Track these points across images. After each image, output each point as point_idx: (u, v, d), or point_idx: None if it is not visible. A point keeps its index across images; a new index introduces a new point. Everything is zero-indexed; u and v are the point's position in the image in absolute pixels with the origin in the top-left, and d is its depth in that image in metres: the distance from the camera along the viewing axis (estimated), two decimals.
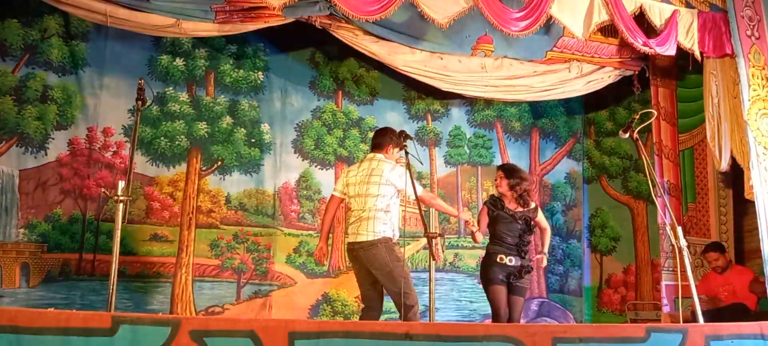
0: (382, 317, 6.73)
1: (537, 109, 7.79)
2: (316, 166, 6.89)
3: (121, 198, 4.07)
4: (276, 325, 3.47)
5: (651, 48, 6.15)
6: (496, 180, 5.32)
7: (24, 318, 3.11)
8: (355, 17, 5.55)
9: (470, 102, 7.50)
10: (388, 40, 6.33)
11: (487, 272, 5.15)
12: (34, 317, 3.15)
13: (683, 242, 4.65)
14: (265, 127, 6.74)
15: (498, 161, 7.58)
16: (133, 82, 5.90)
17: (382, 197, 4.73)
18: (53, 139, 5.97)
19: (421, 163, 6.70)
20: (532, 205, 5.28)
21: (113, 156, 6.16)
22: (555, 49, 6.75)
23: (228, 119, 6.61)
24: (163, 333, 3.18)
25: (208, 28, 5.87)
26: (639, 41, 6.11)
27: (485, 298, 5.15)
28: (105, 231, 5.98)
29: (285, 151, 6.81)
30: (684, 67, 7.06)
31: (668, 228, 4.76)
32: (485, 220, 5.22)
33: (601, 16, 6.02)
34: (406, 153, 5.00)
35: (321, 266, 5.21)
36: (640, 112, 5.01)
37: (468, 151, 7.52)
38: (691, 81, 7.11)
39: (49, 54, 6.02)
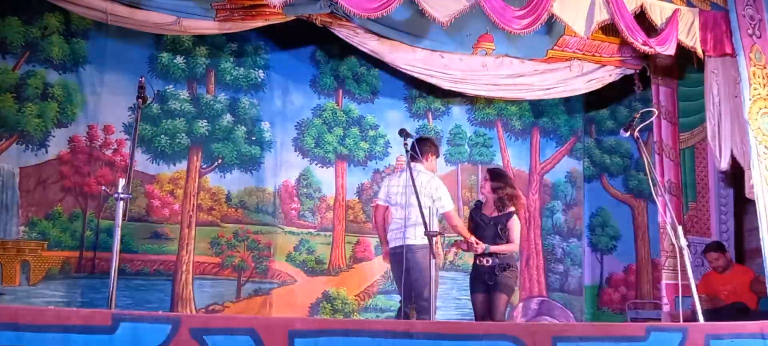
0: (384, 316, 6.76)
1: (538, 108, 7.78)
2: (316, 165, 6.89)
3: (122, 196, 4.06)
4: (276, 323, 3.47)
5: (651, 47, 6.15)
6: (481, 182, 5.33)
7: (24, 316, 3.11)
8: (356, 15, 5.54)
9: (471, 100, 7.50)
10: (388, 38, 6.32)
11: (470, 279, 5.26)
12: (34, 315, 3.15)
13: (683, 242, 4.65)
14: (265, 125, 6.74)
15: (498, 160, 7.59)
16: (133, 79, 5.89)
17: (425, 206, 4.74)
18: (54, 136, 5.97)
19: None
20: (509, 210, 5.18)
21: (114, 154, 6.16)
22: (556, 47, 6.75)
23: (228, 117, 6.61)
24: (164, 331, 3.17)
25: (208, 26, 5.87)
26: (639, 40, 6.10)
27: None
28: (105, 229, 5.98)
29: (285, 150, 6.81)
30: (685, 66, 7.06)
31: (669, 227, 4.77)
32: (469, 225, 5.27)
33: (602, 15, 6.01)
34: (407, 152, 5.00)
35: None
36: (640, 111, 5.00)
37: (468, 149, 7.52)
38: (692, 80, 7.10)
39: (49, 52, 6.02)
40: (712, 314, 5.45)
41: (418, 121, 7.35)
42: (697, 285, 4.78)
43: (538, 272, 7.30)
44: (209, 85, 6.62)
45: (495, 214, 5.20)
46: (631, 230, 7.79)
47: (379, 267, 6.93)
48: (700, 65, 6.65)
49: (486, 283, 5.10)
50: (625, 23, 6.03)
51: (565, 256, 7.68)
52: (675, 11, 6.30)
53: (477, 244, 5.03)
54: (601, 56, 6.87)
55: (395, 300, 6.86)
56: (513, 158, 7.67)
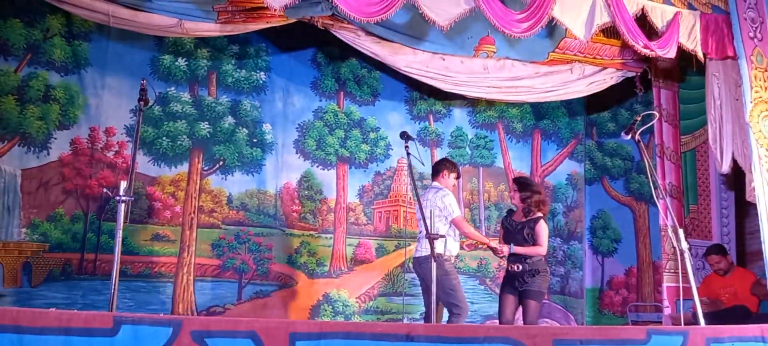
0: (385, 318, 6.77)
1: (539, 111, 7.79)
2: (317, 167, 6.90)
3: (123, 198, 4.07)
4: (277, 325, 3.47)
5: (652, 50, 6.14)
6: (510, 192, 5.63)
7: (26, 318, 3.11)
8: (357, 18, 5.54)
9: (472, 103, 7.50)
10: (389, 40, 6.33)
11: (502, 281, 5.53)
12: (35, 317, 3.15)
13: (684, 244, 4.65)
14: (266, 127, 6.75)
15: (499, 162, 7.59)
16: (135, 82, 5.91)
17: (439, 219, 5.17)
18: (55, 138, 5.97)
19: (423, 164, 6.69)
20: (536, 215, 5.37)
21: (115, 156, 6.17)
22: (557, 50, 6.75)
23: (230, 119, 6.61)
24: (165, 333, 3.18)
25: (210, 29, 5.88)
26: (640, 43, 6.10)
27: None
28: (107, 231, 5.99)
29: (287, 152, 6.82)
30: (686, 69, 7.05)
31: (670, 230, 4.77)
32: (501, 233, 5.52)
33: (602, 18, 6.01)
34: (408, 154, 5.09)
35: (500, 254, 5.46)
36: (642, 114, 5.01)
37: (470, 152, 7.52)
38: (693, 83, 7.10)
39: (51, 54, 6.03)
40: (713, 317, 5.46)
41: (419, 123, 7.36)
42: (698, 288, 4.78)
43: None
44: (211, 87, 6.62)
45: (522, 219, 5.40)
46: (632, 233, 7.79)
47: (379, 269, 6.94)
48: (701, 68, 6.64)
49: (516, 288, 5.31)
50: (626, 26, 6.03)
51: (566, 258, 7.68)
52: (676, 14, 6.29)
53: (502, 248, 5.31)
54: (602, 59, 6.87)
55: (396, 302, 6.88)
56: (514, 161, 7.67)
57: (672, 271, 6.58)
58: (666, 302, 6.74)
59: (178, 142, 6.40)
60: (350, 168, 7.03)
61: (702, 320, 4.53)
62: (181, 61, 6.49)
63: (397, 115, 7.28)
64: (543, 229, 5.32)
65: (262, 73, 6.78)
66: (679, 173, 7.12)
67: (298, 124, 6.90)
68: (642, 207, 7.78)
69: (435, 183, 5.53)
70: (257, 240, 6.55)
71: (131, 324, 3.18)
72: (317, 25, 6.10)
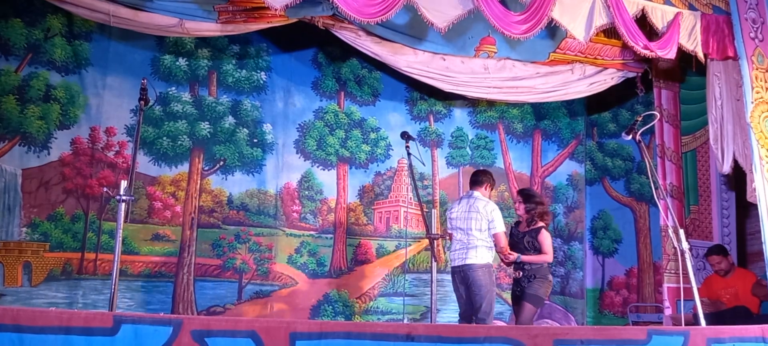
0: (385, 318, 6.77)
1: (539, 111, 7.78)
2: (318, 167, 6.89)
3: (124, 197, 4.08)
4: (277, 325, 3.47)
5: (652, 51, 6.14)
6: (515, 204, 5.79)
7: (26, 317, 3.11)
8: (357, 19, 5.54)
9: (472, 103, 7.50)
10: (390, 40, 6.33)
11: (511, 291, 5.77)
12: (36, 316, 3.15)
13: (685, 245, 4.65)
14: (267, 127, 6.75)
15: (500, 163, 7.59)
16: (135, 81, 5.91)
17: (480, 229, 5.39)
18: (56, 138, 5.97)
19: (424, 164, 6.73)
20: (538, 225, 5.57)
21: (116, 156, 6.17)
22: (558, 50, 6.75)
23: (230, 119, 6.61)
24: (165, 333, 3.18)
25: (210, 28, 5.88)
26: (640, 44, 6.10)
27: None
28: (107, 230, 5.99)
29: (287, 152, 6.82)
30: (687, 70, 7.05)
31: (670, 231, 4.76)
32: (509, 242, 5.60)
33: (602, 19, 6.01)
34: (409, 154, 5.13)
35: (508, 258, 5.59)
36: (642, 115, 5.01)
37: (470, 152, 7.52)
38: (694, 83, 7.10)
39: (52, 53, 6.03)
40: (713, 318, 5.45)
41: (419, 123, 7.36)
42: (698, 288, 4.78)
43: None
44: (211, 87, 6.62)
45: (526, 229, 5.61)
46: (632, 233, 7.78)
47: (380, 269, 6.94)
48: (702, 68, 6.64)
49: (516, 294, 5.56)
50: (626, 27, 6.03)
51: (566, 259, 7.67)
52: (677, 15, 6.29)
53: (509, 254, 5.47)
54: (603, 59, 6.87)
55: (396, 303, 6.88)
56: (514, 161, 7.67)
57: (673, 271, 6.58)
58: (667, 303, 6.73)
59: (179, 142, 6.40)
60: (351, 168, 7.02)
61: (703, 321, 4.52)
62: (182, 61, 6.49)
63: (398, 115, 7.28)
64: (546, 238, 5.53)
65: (262, 73, 6.78)
66: (679, 173, 7.12)
67: (299, 125, 6.90)
68: (643, 207, 7.77)
69: (476, 193, 5.57)
70: (257, 240, 6.55)
71: (131, 323, 3.18)
72: (318, 26, 6.10)
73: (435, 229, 5.89)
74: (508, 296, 6.60)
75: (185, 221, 6.34)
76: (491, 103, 7.53)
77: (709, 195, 7.15)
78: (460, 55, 6.62)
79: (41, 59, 6.01)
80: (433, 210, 6.55)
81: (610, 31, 6.36)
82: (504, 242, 5.43)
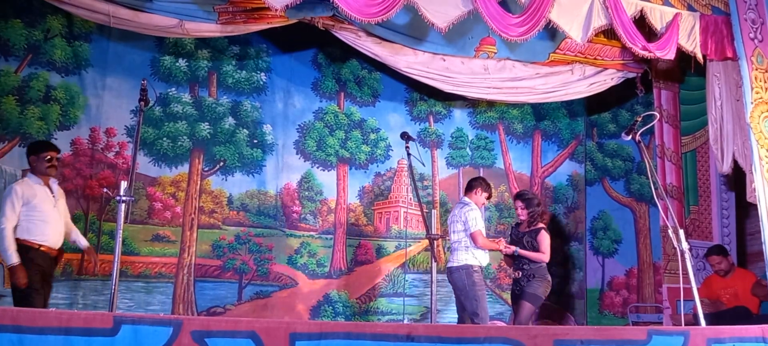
0: (385, 319, 6.76)
1: (539, 111, 7.78)
2: (318, 168, 6.90)
3: (124, 198, 4.08)
4: (277, 326, 3.47)
5: (651, 52, 6.14)
6: (516, 208, 5.88)
7: (26, 318, 3.12)
8: (357, 19, 5.55)
9: (472, 104, 7.50)
10: (390, 41, 6.33)
11: (511, 292, 5.95)
12: (36, 317, 3.16)
13: (685, 245, 4.65)
14: (267, 128, 6.75)
15: (500, 163, 7.59)
16: (135, 82, 5.91)
17: (460, 232, 5.56)
18: (56, 139, 5.96)
19: (423, 164, 6.73)
20: (537, 226, 5.72)
21: (116, 156, 6.18)
22: (558, 51, 6.75)
23: (230, 120, 6.62)
24: (165, 333, 3.18)
25: (210, 29, 5.88)
26: (638, 45, 6.10)
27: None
28: (107, 231, 5.99)
29: (287, 152, 6.82)
30: (687, 70, 7.05)
31: (670, 231, 4.76)
32: (485, 240, 5.72)
33: (600, 21, 6.01)
34: (408, 155, 5.16)
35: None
36: (642, 115, 5.01)
37: (470, 153, 7.52)
38: (694, 84, 7.10)
39: (52, 54, 6.04)
40: (713, 318, 5.45)
41: (419, 124, 7.36)
42: (698, 289, 4.78)
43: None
44: (211, 87, 6.63)
45: (526, 229, 5.76)
46: (632, 234, 7.78)
47: (380, 270, 6.94)
48: (701, 69, 6.64)
49: (516, 293, 5.70)
50: (624, 28, 6.03)
51: (566, 259, 7.67)
52: (676, 16, 6.29)
53: (506, 247, 5.66)
54: (602, 60, 6.87)
55: (396, 303, 6.88)
56: (514, 162, 7.67)
57: (672, 272, 6.57)
58: (666, 303, 6.73)
59: (179, 143, 6.40)
60: (350, 169, 7.03)
61: (702, 321, 4.53)
62: (182, 62, 6.49)
63: (398, 116, 7.28)
64: (545, 238, 5.66)
65: (262, 73, 6.78)
66: (679, 173, 7.12)
67: (299, 125, 6.90)
68: (642, 208, 7.77)
69: (465, 198, 5.76)
70: (257, 241, 6.55)
71: (131, 324, 3.18)
72: (318, 26, 6.10)
73: (435, 229, 5.90)
74: (508, 296, 6.62)
75: (185, 221, 6.34)
76: (491, 104, 7.53)
77: (709, 195, 7.16)
78: (460, 56, 6.62)
79: (41, 60, 6.01)
80: (433, 211, 6.56)
81: (610, 32, 6.36)
82: (482, 240, 5.52)
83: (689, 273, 4.58)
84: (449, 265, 5.63)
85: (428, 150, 7.32)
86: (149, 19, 5.63)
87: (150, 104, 4.57)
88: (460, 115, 7.54)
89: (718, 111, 6.52)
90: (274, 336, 3.30)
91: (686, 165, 7.22)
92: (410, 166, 5.60)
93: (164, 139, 6.35)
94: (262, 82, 6.78)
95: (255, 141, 6.69)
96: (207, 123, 6.53)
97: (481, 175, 7.15)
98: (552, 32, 6.51)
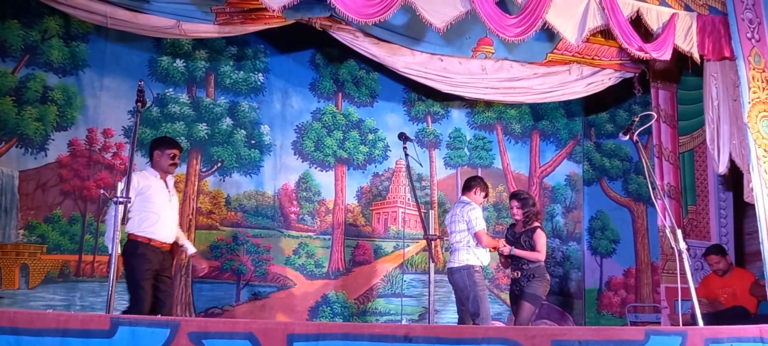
0: (383, 319, 6.76)
1: (537, 112, 7.79)
2: (315, 168, 6.89)
3: (121, 199, 4.07)
4: (275, 327, 3.46)
5: (647, 53, 6.14)
6: (512, 209, 5.85)
7: (23, 319, 3.11)
8: (355, 20, 5.54)
9: (470, 104, 7.50)
10: (388, 41, 6.33)
11: (509, 292, 5.94)
12: (33, 318, 3.15)
13: (683, 245, 4.64)
14: (265, 128, 6.74)
15: (498, 163, 7.60)
16: (133, 83, 5.91)
17: (462, 232, 5.55)
18: (53, 140, 5.97)
19: (421, 165, 6.72)
20: (533, 226, 5.72)
21: (113, 157, 6.17)
22: (555, 51, 6.76)
23: (228, 121, 6.61)
24: (162, 335, 3.17)
25: (208, 30, 5.88)
26: (634, 46, 6.10)
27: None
28: (104, 232, 5.97)
29: (285, 153, 6.81)
30: (684, 70, 7.06)
31: (668, 231, 4.76)
32: (490, 239, 5.74)
33: (596, 22, 6.01)
34: (406, 155, 5.18)
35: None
36: (640, 115, 5.01)
37: (468, 153, 7.52)
38: (692, 83, 7.11)
39: (49, 55, 6.02)
40: (711, 318, 5.45)
41: (417, 124, 7.36)
42: (696, 289, 4.77)
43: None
44: (209, 88, 6.62)
45: (522, 229, 5.77)
46: (630, 234, 7.79)
47: (378, 270, 6.94)
48: (699, 69, 6.65)
49: (515, 293, 5.67)
50: (621, 29, 6.03)
51: (564, 259, 7.68)
52: (672, 16, 6.29)
53: (504, 246, 5.66)
54: (600, 60, 6.88)
55: (395, 303, 6.88)
56: (512, 162, 7.68)
57: (670, 271, 6.57)
58: (664, 303, 6.73)
59: None
60: (348, 169, 7.02)
61: (700, 321, 4.52)
62: (179, 63, 6.49)
63: (396, 116, 7.28)
64: (541, 237, 5.66)
65: (260, 74, 6.77)
66: (677, 173, 7.12)
67: (297, 126, 6.90)
68: (640, 208, 7.78)
69: (464, 198, 5.75)
70: (255, 241, 6.54)
71: (128, 326, 3.17)
72: (315, 27, 6.09)
73: (432, 230, 5.90)
74: (506, 296, 6.62)
75: (183, 222, 6.32)
76: (489, 104, 7.53)
77: (707, 195, 7.16)
78: (457, 56, 6.62)
79: (38, 61, 6.00)
80: (430, 211, 6.55)
81: (607, 32, 6.36)
82: (486, 239, 5.54)
83: (687, 273, 4.58)
84: (450, 265, 5.61)
85: (426, 150, 7.32)
86: (147, 20, 5.62)
87: (147, 105, 4.56)
88: (458, 116, 7.54)
89: (715, 111, 6.53)
90: (271, 337, 3.29)
91: (684, 165, 7.22)
92: (408, 167, 5.59)
93: None
94: (259, 83, 6.77)
95: (253, 142, 6.68)
96: (205, 124, 6.52)
97: (476, 174, 7.15)
98: (549, 32, 6.50)
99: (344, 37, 6.22)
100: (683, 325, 4.77)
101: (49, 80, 6.01)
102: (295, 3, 5.39)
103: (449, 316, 6.73)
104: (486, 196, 5.89)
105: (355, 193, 7.03)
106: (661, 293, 6.81)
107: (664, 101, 7.22)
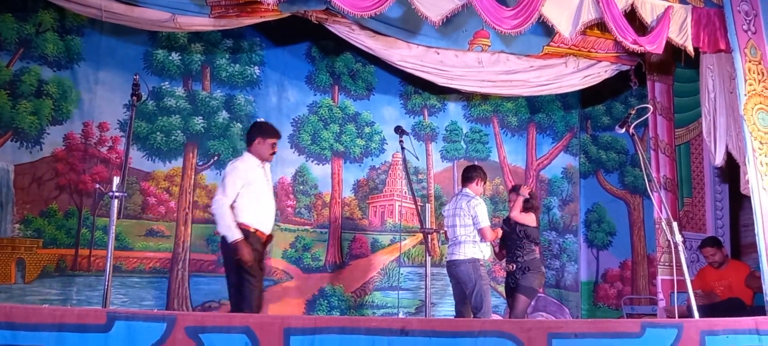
0: (380, 313, 6.77)
1: (534, 104, 7.79)
2: (312, 162, 6.88)
3: (117, 193, 4.07)
4: (271, 321, 3.47)
5: (641, 46, 6.14)
6: (510, 202, 5.86)
7: (19, 314, 3.11)
8: (350, 13, 5.53)
9: (467, 97, 7.50)
10: (384, 34, 6.31)
11: (504, 285, 5.92)
12: (29, 313, 3.15)
13: (679, 237, 4.66)
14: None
15: (494, 156, 7.60)
16: (128, 77, 5.85)
17: (468, 225, 5.47)
18: (48, 134, 5.94)
19: (417, 158, 6.73)
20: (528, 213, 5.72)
21: (109, 151, 6.15)
22: (552, 44, 6.74)
23: (224, 114, 6.59)
24: (159, 329, 3.18)
25: (203, 23, 5.85)
26: (629, 39, 6.10)
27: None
28: (101, 226, 5.97)
29: (281, 146, 6.75)
30: (681, 62, 7.06)
31: (664, 223, 4.78)
32: (494, 234, 5.70)
33: (590, 15, 6.01)
34: (403, 148, 5.17)
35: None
36: (636, 107, 5.03)
37: (464, 146, 7.52)
38: (688, 76, 7.11)
39: (44, 48, 5.99)
40: (707, 310, 5.48)
41: (413, 117, 7.35)
42: (692, 281, 4.80)
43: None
44: (205, 81, 6.60)
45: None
46: (626, 226, 7.81)
47: (375, 264, 6.94)
48: (694, 61, 6.65)
49: (510, 286, 5.65)
50: (615, 21, 6.03)
51: (561, 252, 7.69)
52: (667, 9, 6.29)
53: (494, 230, 5.65)
54: (596, 52, 6.88)
55: (392, 297, 6.89)
56: (509, 155, 7.68)
57: (666, 264, 6.59)
58: (660, 295, 6.76)
59: (172, 137, 6.37)
60: (345, 163, 7.02)
61: (696, 313, 4.55)
62: (175, 56, 6.46)
63: (392, 109, 7.27)
64: (530, 214, 5.71)
65: (256, 67, 6.76)
66: (673, 165, 7.13)
67: (293, 119, 6.88)
68: (637, 200, 7.79)
69: (466, 190, 5.65)
70: None
71: (125, 320, 3.18)
72: (311, 20, 6.07)
73: (429, 223, 5.90)
74: (502, 289, 6.63)
75: (179, 216, 6.33)
76: (485, 97, 7.53)
77: (703, 187, 7.18)
78: (454, 49, 6.61)
79: (33, 54, 5.97)
80: (427, 204, 6.56)
81: (603, 25, 6.35)
82: (490, 235, 5.50)
83: (683, 265, 4.60)
84: (454, 257, 5.50)
85: (423, 143, 7.31)
86: (142, 13, 5.59)
87: (143, 99, 4.55)
88: (454, 109, 7.54)
89: (712, 103, 6.53)
90: (268, 331, 3.30)
91: (680, 157, 7.23)
92: (404, 161, 5.59)
93: (158, 133, 6.32)
94: (255, 76, 6.75)
95: None
96: (201, 117, 6.50)
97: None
98: (546, 25, 6.49)
99: (340, 30, 6.21)
100: (679, 317, 4.79)
101: (43, 74, 5.99)
102: None
103: (446, 309, 6.74)
104: (485, 183, 5.86)
105: (352, 186, 7.02)
106: (657, 285, 6.83)
107: (661, 94, 7.22)
